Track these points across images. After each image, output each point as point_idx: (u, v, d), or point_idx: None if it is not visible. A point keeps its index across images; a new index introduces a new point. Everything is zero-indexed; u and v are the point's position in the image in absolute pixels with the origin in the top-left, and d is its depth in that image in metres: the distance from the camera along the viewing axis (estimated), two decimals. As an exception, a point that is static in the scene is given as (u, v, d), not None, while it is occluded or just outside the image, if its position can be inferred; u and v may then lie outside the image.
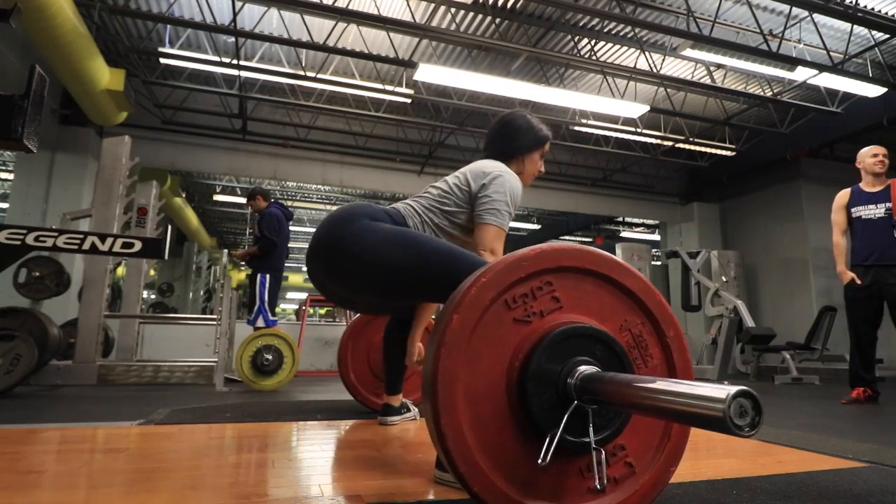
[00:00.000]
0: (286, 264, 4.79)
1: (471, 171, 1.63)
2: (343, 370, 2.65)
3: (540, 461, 0.84)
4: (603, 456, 0.88)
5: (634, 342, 0.99)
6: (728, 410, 0.59)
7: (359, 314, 2.82)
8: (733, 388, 0.60)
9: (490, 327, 0.91)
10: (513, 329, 0.92)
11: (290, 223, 4.85)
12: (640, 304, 1.00)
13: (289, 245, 4.91)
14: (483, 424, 0.88)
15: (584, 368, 0.88)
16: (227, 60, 5.73)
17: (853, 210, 3.59)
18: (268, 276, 4.42)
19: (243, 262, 4.62)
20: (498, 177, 1.58)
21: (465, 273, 1.34)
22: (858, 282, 3.46)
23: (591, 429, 0.87)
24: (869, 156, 3.58)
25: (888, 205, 3.45)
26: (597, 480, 0.86)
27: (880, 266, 3.42)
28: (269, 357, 3.83)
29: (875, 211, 3.50)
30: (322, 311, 13.31)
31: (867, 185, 3.58)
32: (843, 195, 3.67)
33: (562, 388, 0.88)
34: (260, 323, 4.30)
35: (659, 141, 7.87)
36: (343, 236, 1.42)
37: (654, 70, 6.01)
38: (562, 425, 0.86)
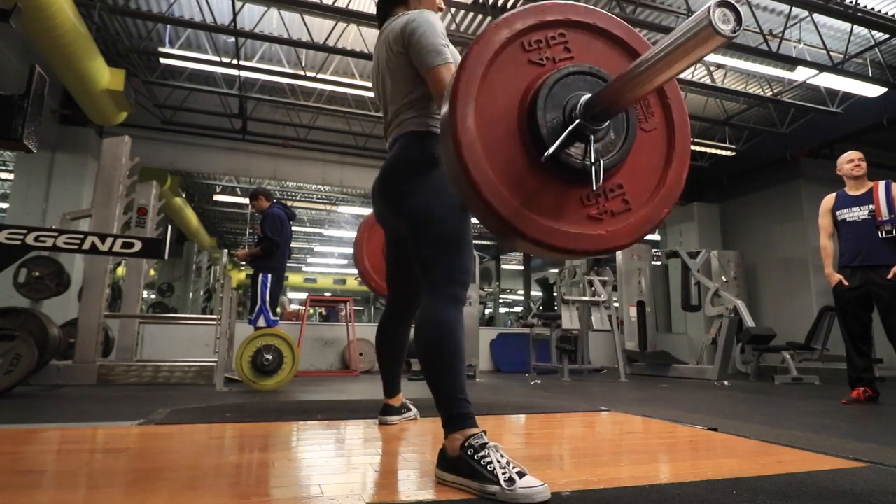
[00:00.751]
0: (287, 264, 4.79)
1: (391, 42, 1.59)
2: (358, 258, 2.68)
3: (543, 157, 0.94)
4: (601, 166, 0.98)
5: (640, 104, 1.09)
6: (712, 17, 0.66)
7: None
8: (712, 1, 0.67)
9: (507, 62, 1.02)
10: (527, 68, 1.03)
11: (292, 223, 4.84)
12: None
13: (291, 245, 4.90)
14: (495, 143, 0.98)
15: (589, 96, 0.98)
16: (227, 60, 5.73)
17: (838, 213, 3.68)
18: (269, 275, 4.43)
19: (244, 263, 4.63)
20: (410, 22, 1.54)
21: (439, 256, 1.43)
22: (846, 283, 3.54)
23: (591, 149, 0.97)
24: (846, 162, 3.69)
25: (871, 207, 3.53)
26: (593, 182, 0.96)
27: (867, 267, 3.49)
28: (269, 357, 3.83)
29: (859, 213, 3.58)
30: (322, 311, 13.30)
31: (851, 189, 3.67)
32: (829, 199, 3.77)
33: (568, 113, 0.98)
34: (261, 323, 4.30)
35: (659, 141, 7.87)
36: (405, 187, 1.52)
37: (654, 70, 6.00)
38: (565, 134, 0.95)
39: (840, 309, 3.64)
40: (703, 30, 0.68)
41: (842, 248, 3.67)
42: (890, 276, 3.38)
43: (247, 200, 11.80)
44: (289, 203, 12.41)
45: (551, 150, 0.94)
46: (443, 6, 1.79)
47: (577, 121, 0.95)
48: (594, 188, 0.96)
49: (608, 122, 1.01)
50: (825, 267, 3.70)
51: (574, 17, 1.05)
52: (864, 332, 3.53)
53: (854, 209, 3.60)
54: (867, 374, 3.48)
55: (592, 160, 0.97)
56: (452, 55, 1.51)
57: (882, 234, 3.47)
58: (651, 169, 1.08)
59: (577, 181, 0.99)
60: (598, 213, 1.01)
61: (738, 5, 0.68)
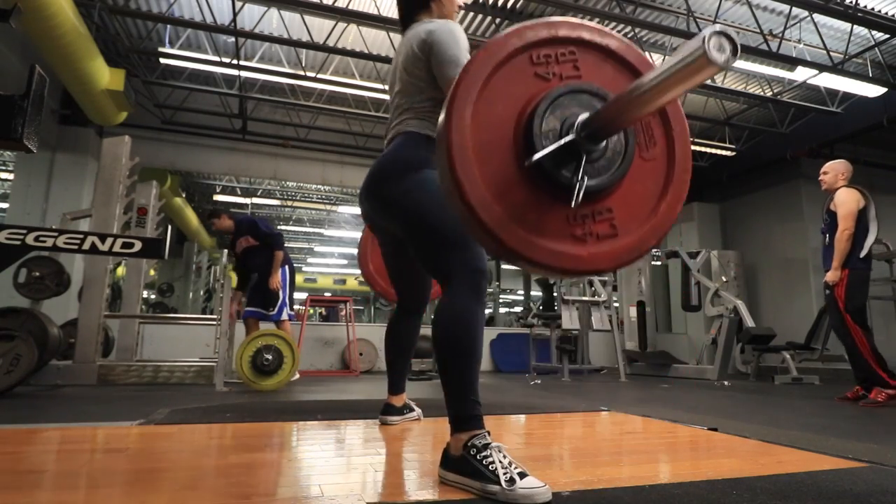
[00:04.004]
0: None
1: (414, 45, 1.60)
2: (362, 262, 2.67)
3: (527, 162, 0.94)
4: (585, 182, 0.96)
5: (642, 126, 1.07)
6: (708, 46, 0.66)
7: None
8: (708, 29, 0.67)
9: (512, 72, 1.00)
10: (533, 82, 1.01)
11: (286, 224, 4.83)
12: None
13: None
14: (487, 149, 0.98)
15: (587, 115, 0.97)
16: (227, 60, 5.73)
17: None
18: (286, 268, 4.44)
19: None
20: (434, 31, 1.56)
21: (448, 250, 1.40)
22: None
23: (582, 167, 0.96)
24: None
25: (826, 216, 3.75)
26: (573, 200, 0.95)
27: (825, 272, 3.70)
28: (269, 357, 3.83)
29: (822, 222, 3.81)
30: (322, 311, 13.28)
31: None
32: None
33: (565, 129, 0.97)
34: (284, 316, 4.31)
35: (659, 141, 7.86)
36: (397, 188, 1.52)
37: (654, 70, 6.00)
38: (554, 145, 0.94)
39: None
40: (698, 59, 0.68)
41: None
42: (825, 279, 3.60)
43: (247, 200, 11.86)
44: (289, 203, 12.42)
45: (538, 155, 0.93)
46: (463, 4, 1.82)
47: (572, 136, 0.95)
48: (572, 205, 0.95)
49: (605, 144, 1.00)
50: None
51: (587, 37, 1.03)
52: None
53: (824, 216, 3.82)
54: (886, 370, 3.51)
55: (578, 178, 0.96)
56: None
57: (826, 241, 3.69)
58: (645, 198, 1.06)
59: (565, 199, 0.98)
60: (583, 234, 1.00)
61: (734, 36, 0.68)
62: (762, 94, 6.85)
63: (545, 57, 1.01)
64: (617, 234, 1.02)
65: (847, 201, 3.59)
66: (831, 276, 3.57)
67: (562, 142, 0.94)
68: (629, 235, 1.03)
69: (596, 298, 6.17)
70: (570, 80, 1.01)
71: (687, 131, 1.11)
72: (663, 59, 4.32)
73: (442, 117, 0.98)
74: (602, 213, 1.02)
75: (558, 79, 1.01)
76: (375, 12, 5.25)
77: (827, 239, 3.69)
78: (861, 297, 3.56)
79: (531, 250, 0.96)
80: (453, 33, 1.56)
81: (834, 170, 3.80)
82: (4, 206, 10.65)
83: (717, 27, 0.67)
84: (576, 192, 0.95)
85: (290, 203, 12.40)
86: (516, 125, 0.99)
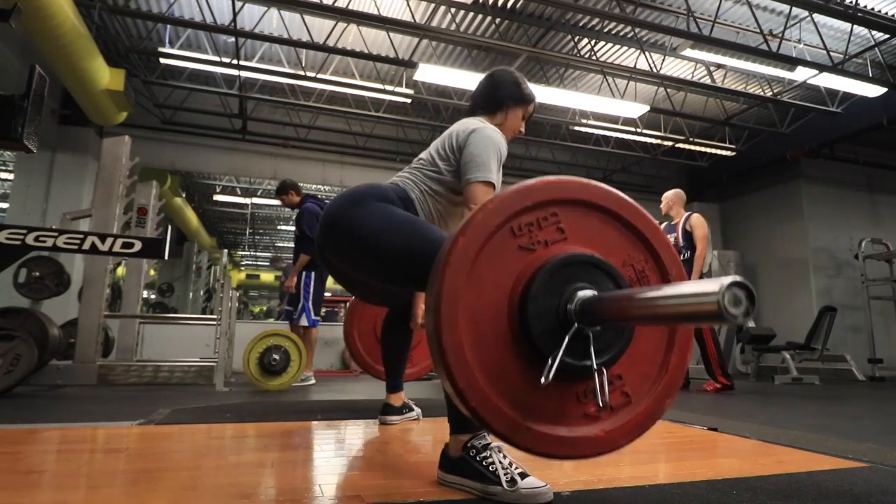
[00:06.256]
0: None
1: (452, 133, 1.62)
2: (349, 340, 2.62)
3: (543, 381, 0.85)
4: (605, 377, 0.89)
5: (637, 278, 1.01)
6: (723, 301, 0.60)
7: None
8: (727, 279, 0.60)
9: (495, 252, 0.93)
10: (517, 256, 0.94)
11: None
12: (644, 241, 1.01)
13: None
14: (484, 345, 0.90)
15: (584, 293, 0.89)
16: (227, 60, 5.73)
17: None
18: (312, 273, 4.34)
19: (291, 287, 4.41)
20: (474, 131, 1.55)
21: None
22: None
23: (592, 351, 0.88)
24: None
25: (675, 234, 4.39)
26: (599, 400, 0.88)
27: None
28: (277, 357, 3.81)
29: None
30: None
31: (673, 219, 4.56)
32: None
33: (562, 312, 0.90)
34: (304, 322, 4.26)
35: (659, 141, 7.87)
36: (351, 217, 1.44)
37: (654, 70, 6.00)
38: (563, 347, 0.87)
39: None
40: (710, 311, 0.61)
41: None
42: None
43: (247, 200, 11.85)
44: (289, 203, 12.37)
45: (552, 372, 0.85)
46: (523, 131, 1.79)
47: (575, 325, 0.88)
48: (601, 405, 0.88)
49: None
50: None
51: (567, 195, 0.97)
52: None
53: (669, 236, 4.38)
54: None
55: (594, 364, 0.87)
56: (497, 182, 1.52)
57: (683, 256, 4.27)
58: (652, 353, 0.99)
59: (574, 377, 0.90)
60: (596, 411, 0.93)
61: (751, 288, 0.61)
62: (762, 94, 6.84)
63: (527, 226, 0.94)
64: (631, 402, 0.96)
65: (702, 226, 4.26)
66: None
67: (566, 341, 0.87)
68: (644, 399, 0.97)
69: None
70: (556, 245, 0.95)
71: (684, 275, 1.02)
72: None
73: (431, 322, 0.90)
74: (613, 382, 0.95)
75: (543, 246, 0.95)
76: (375, 12, 5.25)
77: (684, 255, 4.30)
78: None
79: (547, 445, 0.89)
80: (496, 140, 1.55)
81: (667, 199, 4.54)
82: (4, 206, 10.65)
83: (734, 279, 0.60)
84: (598, 389, 0.88)
85: (290, 203, 12.37)
86: (510, 314, 0.92)
